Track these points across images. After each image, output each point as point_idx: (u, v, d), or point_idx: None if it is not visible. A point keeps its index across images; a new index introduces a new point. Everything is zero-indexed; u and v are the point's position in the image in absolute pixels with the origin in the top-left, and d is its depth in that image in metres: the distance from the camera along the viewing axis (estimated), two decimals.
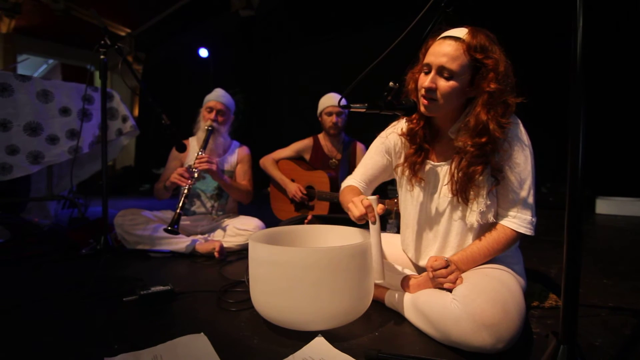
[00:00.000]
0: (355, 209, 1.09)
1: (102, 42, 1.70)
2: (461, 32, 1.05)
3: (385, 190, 4.30)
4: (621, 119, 3.26)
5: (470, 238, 1.15)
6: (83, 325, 1.14)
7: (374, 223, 1.08)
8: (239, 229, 2.05)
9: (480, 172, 1.05)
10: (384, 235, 1.51)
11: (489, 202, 1.08)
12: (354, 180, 1.37)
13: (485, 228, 1.13)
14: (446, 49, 1.03)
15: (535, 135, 1.12)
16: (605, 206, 3.57)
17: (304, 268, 0.95)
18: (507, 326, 0.89)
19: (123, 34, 8.62)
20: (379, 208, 1.07)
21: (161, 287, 1.31)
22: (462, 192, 1.09)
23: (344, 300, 0.98)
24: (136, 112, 9.41)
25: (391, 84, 1.00)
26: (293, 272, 0.95)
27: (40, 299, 1.34)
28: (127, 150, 9.01)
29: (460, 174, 1.08)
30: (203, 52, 6.41)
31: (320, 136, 2.58)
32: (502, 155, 1.06)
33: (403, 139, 1.25)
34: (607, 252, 2.13)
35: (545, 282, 1.53)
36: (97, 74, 9.57)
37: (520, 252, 1.25)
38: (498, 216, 1.12)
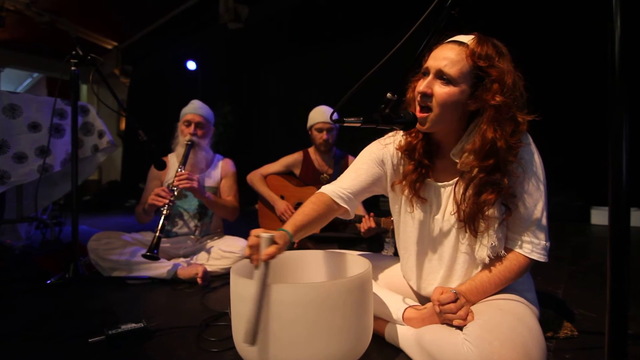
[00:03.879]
0: (247, 245, 0.90)
1: (74, 52, 1.58)
2: (467, 38, 0.96)
3: (378, 202, 4.19)
4: None
5: (478, 266, 1.03)
6: None
7: (256, 268, 0.85)
8: (224, 251, 1.91)
9: (493, 202, 0.94)
10: (381, 258, 1.39)
11: (500, 235, 0.97)
12: (335, 187, 1.14)
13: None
14: (447, 52, 0.94)
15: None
16: (600, 216, 3.50)
17: (294, 308, 0.82)
18: None
19: (110, 47, 8.50)
20: (267, 250, 0.85)
21: (133, 325, 1.16)
22: (471, 223, 0.97)
23: (341, 342, 0.85)
24: (122, 125, 9.23)
25: (389, 95, 0.89)
26: (281, 312, 0.82)
27: None
28: (114, 165, 8.80)
29: (469, 203, 0.96)
30: (191, 65, 6.32)
31: (311, 150, 2.46)
32: (514, 180, 0.95)
33: (401, 154, 1.12)
34: None
35: (555, 306, 1.42)
36: (84, 87, 9.47)
37: (531, 279, 1.14)
38: (509, 241, 1.01)
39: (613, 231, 0.51)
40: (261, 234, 0.88)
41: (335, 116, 0.94)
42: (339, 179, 1.18)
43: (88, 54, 1.60)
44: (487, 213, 0.95)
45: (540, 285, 1.72)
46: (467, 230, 0.98)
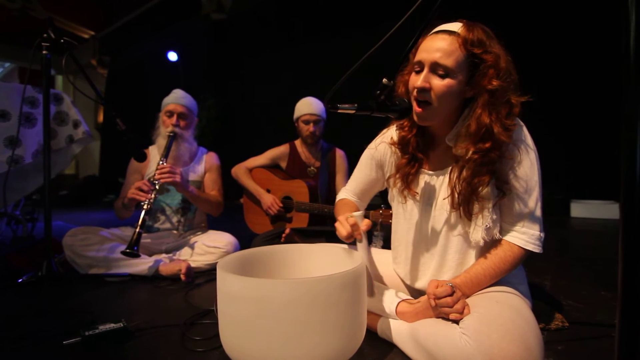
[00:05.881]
0: (342, 228, 1.04)
1: (45, 35, 1.47)
2: (455, 26, 0.94)
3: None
4: (595, 119, 3.28)
5: (471, 256, 1.02)
6: None
7: (360, 241, 1.03)
8: (208, 247, 1.84)
9: (487, 182, 0.93)
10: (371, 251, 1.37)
11: (494, 217, 0.96)
12: (346, 193, 1.31)
13: (487, 244, 1.00)
14: (440, 43, 0.92)
15: None
16: (580, 209, 3.58)
17: (286, 305, 0.77)
18: None
19: (86, 36, 8.17)
20: (363, 224, 1.03)
21: (112, 325, 1.10)
22: (465, 205, 0.96)
23: (334, 340, 0.82)
24: (100, 118, 8.93)
25: (385, 80, 0.86)
26: (272, 309, 0.77)
27: None
28: (92, 158, 8.52)
29: (463, 185, 0.95)
30: (172, 56, 6.13)
31: (297, 142, 2.41)
32: (508, 163, 0.94)
33: (394, 148, 1.12)
34: (595, 259, 2.08)
35: (543, 297, 1.43)
36: (59, 77, 9.08)
37: (524, 271, 1.14)
38: (502, 231, 1.00)
39: (625, 225, 0.49)
40: (354, 214, 1.05)
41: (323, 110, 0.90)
42: (348, 183, 1.32)
43: (61, 37, 1.49)
44: (481, 194, 0.94)
45: (528, 276, 1.73)
46: (462, 214, 0.97)
